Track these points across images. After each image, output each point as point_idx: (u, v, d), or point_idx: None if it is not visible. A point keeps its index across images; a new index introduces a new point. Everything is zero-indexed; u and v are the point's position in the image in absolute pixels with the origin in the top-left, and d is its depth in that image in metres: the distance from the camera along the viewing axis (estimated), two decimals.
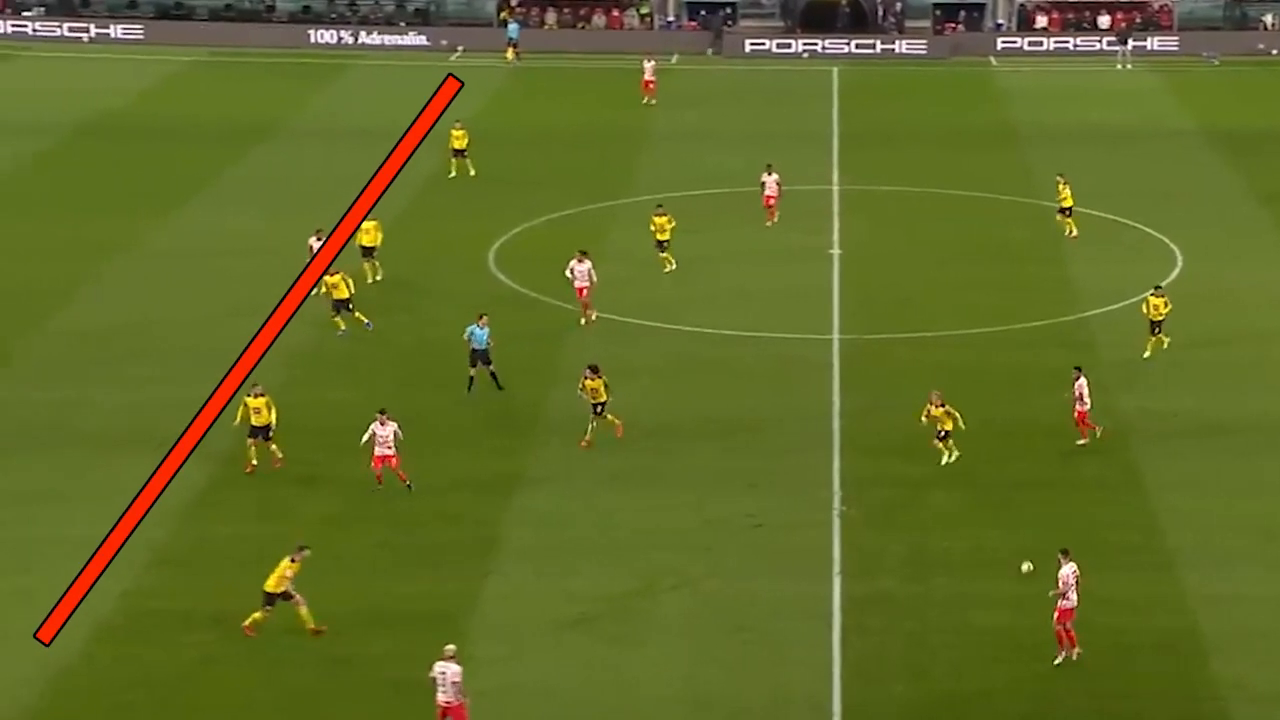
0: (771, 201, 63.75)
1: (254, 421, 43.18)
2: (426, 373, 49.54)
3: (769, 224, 63.58)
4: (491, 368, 48.51)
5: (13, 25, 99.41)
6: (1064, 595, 34.88)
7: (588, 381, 45.26)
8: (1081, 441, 44.90)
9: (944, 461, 43.57)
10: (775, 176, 64.05)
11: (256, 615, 35.64)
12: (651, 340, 52.96)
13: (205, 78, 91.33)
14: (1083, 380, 44.84)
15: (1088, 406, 44.86)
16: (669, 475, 43.53)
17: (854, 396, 48.36)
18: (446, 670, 32.23)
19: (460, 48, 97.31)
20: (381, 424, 42.42)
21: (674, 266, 58.33)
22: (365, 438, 42.35)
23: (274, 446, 43.46)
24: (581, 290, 53.65)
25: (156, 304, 55.08)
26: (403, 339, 52.74)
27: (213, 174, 70.88)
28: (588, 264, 53.59)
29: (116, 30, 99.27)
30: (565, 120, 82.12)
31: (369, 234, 56.83)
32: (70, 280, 57.46)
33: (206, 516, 41.30)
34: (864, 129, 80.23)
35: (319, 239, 54.78)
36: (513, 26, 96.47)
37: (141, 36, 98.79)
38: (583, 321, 53.64)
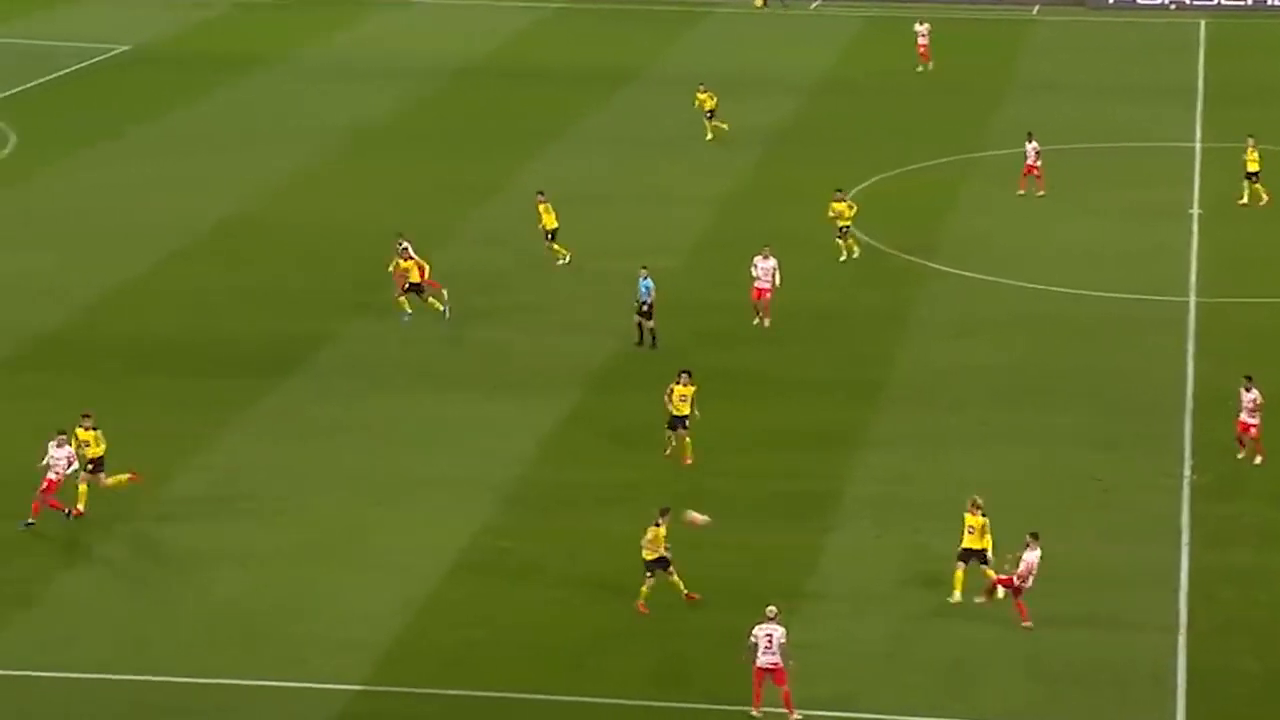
0: (1032, 171, 61.39)
1: (87, 455, 37.53)
2: (776, 321, 49.67)
3: (1020, 193, 61.35)
4: (652, 324, 47.17)
5: None
6: (1024, 578, 34.23)
7: (677, 387, 40.85)
8: (1241, 455, 41.69)
9: (956, 597, 35.60)
10: (1035, 144, 61.58)
11: (643, 590, 34.92)
12: (1002, 297, 52.74)
13: (571, 24, 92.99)
14: (1254, 392, 41.30)
15: (1255, 421, 41.21)
16: (1014, 435, 43.43)
17: (1208, 361, 47.62)
18: (772, 632, 31.47)
19: None
20: (58, 445, 37.04)
21: (853, 255, 54.72)
22: (43, 461, 37.68)
23: (109, 480, 37.86)
24: (762, 291, 48.84)
25: (516, 249, 56.26)
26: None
27: (575, 118, 72.48)
28: (773, 261, 48.93)
29: None
30: (919, 71, 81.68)
31: (544, 217, 54.66)
32: (443, 222, 59.22)
33: (556, 461, 42.41)
34: (1231, 84, 78.21)
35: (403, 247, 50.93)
36: None
37: None
38: (756, 322, 49.30)
